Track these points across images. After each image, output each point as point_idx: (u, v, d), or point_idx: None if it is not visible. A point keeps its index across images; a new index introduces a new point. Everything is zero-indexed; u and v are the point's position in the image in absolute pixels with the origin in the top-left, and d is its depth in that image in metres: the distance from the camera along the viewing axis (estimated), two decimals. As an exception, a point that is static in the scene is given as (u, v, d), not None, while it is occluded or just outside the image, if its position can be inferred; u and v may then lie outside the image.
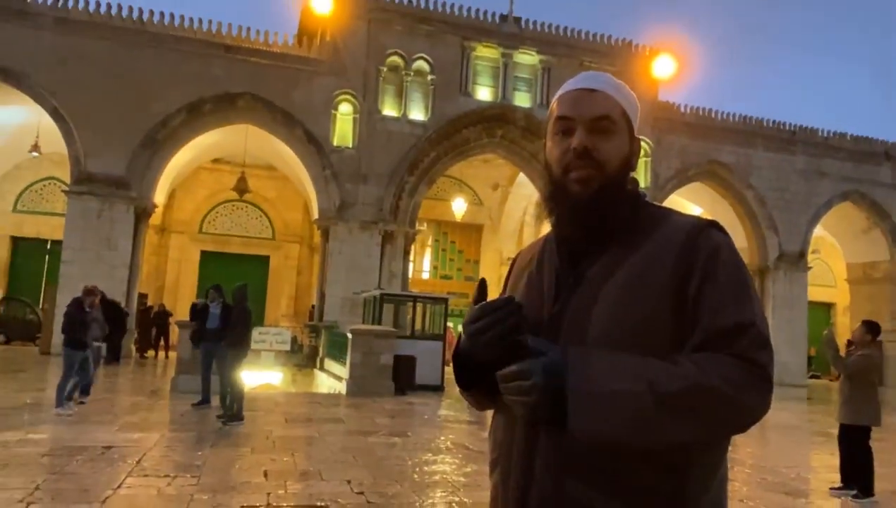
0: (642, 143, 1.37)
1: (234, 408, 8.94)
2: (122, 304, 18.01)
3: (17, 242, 24.65)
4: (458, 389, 1.38)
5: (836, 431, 6.92)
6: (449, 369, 18.24)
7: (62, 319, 9.50)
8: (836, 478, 7.14)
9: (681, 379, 1.06)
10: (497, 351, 1.16)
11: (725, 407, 1.07)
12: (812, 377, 27.40)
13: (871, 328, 6.79)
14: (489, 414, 1.40)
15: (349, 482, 5.95)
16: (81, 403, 9.34)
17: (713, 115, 24.45)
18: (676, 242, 1.19)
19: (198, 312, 10.55)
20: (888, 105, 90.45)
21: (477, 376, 1.27)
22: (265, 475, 6.09)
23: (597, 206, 1.22)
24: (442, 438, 8.78)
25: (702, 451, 1.16)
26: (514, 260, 1.49)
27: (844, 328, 30.57)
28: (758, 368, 1.09)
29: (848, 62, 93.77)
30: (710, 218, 1.28)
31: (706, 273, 1.15)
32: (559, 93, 1.32)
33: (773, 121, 25.21)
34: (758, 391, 1.09)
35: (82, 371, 9.33)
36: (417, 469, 6.69)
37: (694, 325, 1.13)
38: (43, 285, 23.27)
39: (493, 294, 1.38)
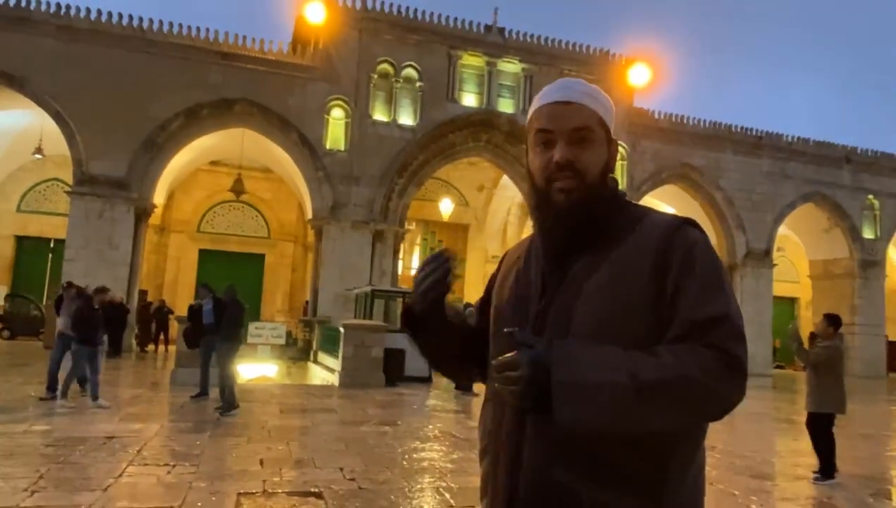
0: (619, 147, 1.39)
1: (230, 399, 8.90)
2: (124, 301, 17.81)
3: (21, 241, 24.32)
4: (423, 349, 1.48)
5: (800, 418, 7.00)
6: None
7: (73, 316, 9.35)
8: (799, 462, 7.24)
9: (660, 369, 1.05)
10: (431, 298, 1.34)
11: (702, 395, 1.07)
12: (777, 367, 27.70)
13: (833, 321, 6.85)
14: (476, 403, 1.41)
15: (342, 469, 5.93)
16: (84, 395, 9.23)
17: (685, 122, 24.60)
18: (655, 239, 1.18)
19: (194, 313, 10.47)
20: (845, 111, 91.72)
21: (420, 324, 1.39)
22: (261, 463, 6.05)
23: (580, 213, 1.23)
24: (430, 427, 8.77)
25: (681, 440, 1.16)
26: (503, 258, 1.49)
27: (807, 321, 30.85)
28: (733, 359, 1.09)
29: (809, 71, 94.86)
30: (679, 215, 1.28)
31: (683, 268, 1.15)
32: (537, 103, 1.30)
33: (741, 127, 25.41)
34: (733, 380, 1.08)
35: (91, 365, 9.19)
36: (407, 457, 6.68)
37: (672, 318, 1.13)
38: (46, 282, 22.97)
39: (479, 291, 1.43)
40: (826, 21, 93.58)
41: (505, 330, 1.17)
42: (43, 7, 18.20)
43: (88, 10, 18.62)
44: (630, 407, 1.05)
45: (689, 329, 1.11)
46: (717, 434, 8.90)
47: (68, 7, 18.43)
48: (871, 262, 26.78)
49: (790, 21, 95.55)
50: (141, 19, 18.99)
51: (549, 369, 1.07)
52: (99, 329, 9.46)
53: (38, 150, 20.65)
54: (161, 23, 19.19)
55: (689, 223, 1.23)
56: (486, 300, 1.48)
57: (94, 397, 8.95)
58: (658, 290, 1.15)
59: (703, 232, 1.23)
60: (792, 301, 32.61)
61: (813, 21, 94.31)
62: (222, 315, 9.49)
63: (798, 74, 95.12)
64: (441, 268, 1.33)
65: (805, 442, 9.37)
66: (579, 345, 1.12)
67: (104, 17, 18.71)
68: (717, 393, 1.08)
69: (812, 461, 6.94)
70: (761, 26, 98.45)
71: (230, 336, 9.32)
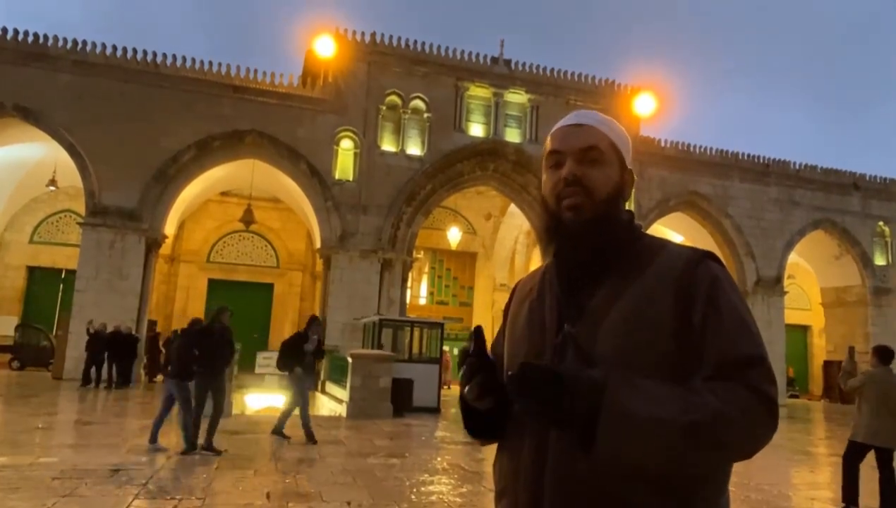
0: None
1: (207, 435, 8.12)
2: (132, 331, 17.85)
3: (32, 271, 24.55)
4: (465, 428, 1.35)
5: (816, 449, 6.84)
6: (445, 391, 18.06)
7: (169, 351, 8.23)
8: (816, 495, 7.06)
9: (704, 410, 1.03)
10: (488, 403, 1.21)
11: (742, 437, 1.06)
12: (791, 396, 27.27)
13: (874, 351, 6.80)
14: None
15: (349, 503, 5.84)
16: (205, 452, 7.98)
17: (692, 149, 24.71)
18: (675, 272, 1.17)
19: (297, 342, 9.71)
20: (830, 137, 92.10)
21: (485, 420, 1.28)
22: (268, 496, 5.97)
23: (591, 233, 1.21)
24: (438, 459, 8.66)
25: (707, 478, 1.14)
26: (515, 289, 1.45)
27: (820, 349, 30.54)
28: (769, 401, 1.07)
29: (806, 97, 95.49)
30: (697, 246, 1.27)
31: (710, 304, 1.14)
32: (552, 130, 1.32)
33: (748, 155, 25.48)
34: (768, 423, 1.07)
35: (187, 405, 8.07)
36: (415, 490, 6.58)
37: (701, 354, 1.11)
38: (57, 313, 23.10)
39: (487, 319, 1.36)
40: (825, 47, 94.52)
41: (566, 327, 1.17)
42: (60, 43, 18.68)
43: (104, 46, 19.09)
44: (675, 446, 1.02)
45: (723, 367, 1.09)
46: (732, 467, 8.71)
47: (84, 43, 18.91)
48: (883, 289, 26.50)
49: (783, 47, 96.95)
50: (154, 54, 19.43)
51: (603, 391, 1.02)
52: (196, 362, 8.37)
53: (52, 182, 21.00)
54: (174, 57, 19.62)
55: (709, 256, 1.21)
56: (499, 337, 1.44)
57: (154, 438, 8.07)
58: (681, 324, 1.13)
59: (723, 265, 1.22)
60: (804, 329, 32.21)
61: (809, 47, 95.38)
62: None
63: (793, 99, 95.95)
64: (478, 373, 1.19)
65: (822, 475, 9.19)
66: (634, 377, 1.07)
67: (118, 53, 19.16)
68: (755, 435, 1.07)
69: (830, 494, 6.78)
70: (757, 53, 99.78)
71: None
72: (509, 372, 1.06)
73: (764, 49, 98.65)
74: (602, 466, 1.05)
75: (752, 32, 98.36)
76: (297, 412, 9.53)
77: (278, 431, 9.47)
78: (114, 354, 16.67)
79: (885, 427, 6.34)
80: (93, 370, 16.46)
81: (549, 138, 1.31)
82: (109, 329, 16.95)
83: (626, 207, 1.30)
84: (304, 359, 9.44)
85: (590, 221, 1.21)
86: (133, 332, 17.82)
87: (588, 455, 1.03)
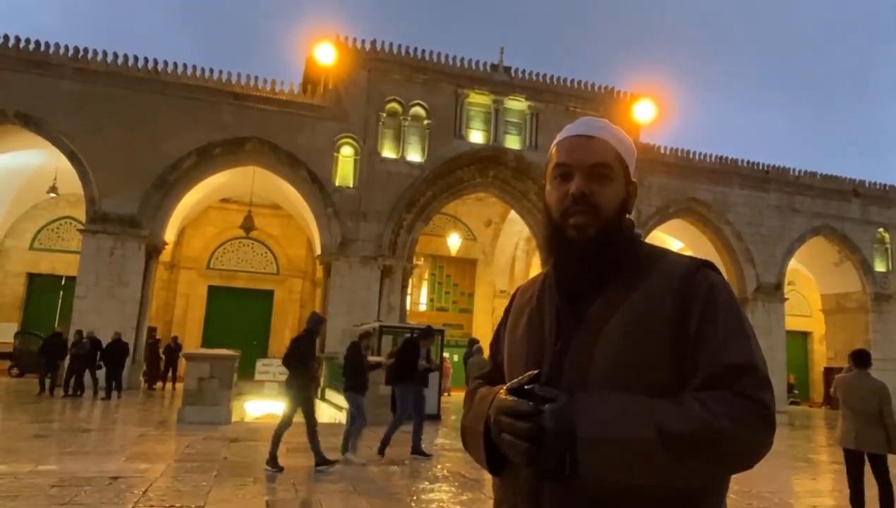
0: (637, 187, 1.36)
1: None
2: (121, 337, 17.47)
3: (32, 278, 24.52)
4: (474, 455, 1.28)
5: (817, 456, 6.80)
6: (445, 398, 18.00)
7: (343, 363, 8.93)
8: (817, 503, 7.03)
9: (689, 422, 1.02)
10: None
11: (733, 447, 1.04)
12: (792, 403, 27.20)
13: (850, 356, 6.80)
14: None
15: (349, 510, 5.82)
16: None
17: (691, 156, 24.73)
18: (673, 281, 1.17)
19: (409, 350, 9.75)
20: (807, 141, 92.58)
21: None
22: (267, 505, 5.95)
23: (594, 250, 1.21)
24: (438, 466, 8.63)
25: (706, 491, 1.13)
26: (514, 296, 1.45)
27: (821, 356, 30.48)
28: (763, 408, 1.06)
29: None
30: (696, 255, 1.27)
31: (705, 312, 1.13)
32: (558, 138, 1.30)
33: (748, 161, 25.51)
34: (763, 430, 1.06)
35: (359, 413, 8.79)
36: (415, 498, 6.56)
37: (695, 363, 1.11)
38: (56, 320, 23.06)
39: (487, 326, 1.35)
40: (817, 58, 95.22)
41: (525, 387, 1.12)
42: (61, 51, 18.74)
43: (105, 53, 19.16)
44: (658, 462, 1.01)
45: (715, 375, 1.09)
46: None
47: (86, 50, 18.98)
48: (884, 296, 26.48)
49: (769, 50, 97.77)
50: (155, 61, 19.49)
51: (573, 424, 1.04)
52: (367, 375, 9.32)
53: (53, 189, 21.02)
54: (175, 64, 19.69)
55: (707, 265, 1.21)
56: (497, 340, 1.44)
57: (352, 445, 8.61)
58: (678, 334, 1.13)
59: (721, 274, 1.22)
60: (805, 335, 32.16)
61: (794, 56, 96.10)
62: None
63: (782, 102, 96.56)
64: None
65: (823, 482, 9.15)
66: (602, 397, 1.09)
67: (120, 60, 19.22)
68: (748, 444, 1.05)
69: (832, 501, 6.75)
70: (746, 59, 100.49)
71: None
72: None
73: (752, 54, 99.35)
74: (593, 487, 1.05)
75: (741, 37, 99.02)
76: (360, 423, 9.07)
77: (417, 450, 9.17)
78: (104, 362, 16.31)
79: (853, 430, 6.38)
80: (74, 378, 16.00)
81: (555, 147, 1.29)
82: (70, 338, 16.51)
83: (628, 217, 1.30)
84: (417, 374, 9.36)
85: (594, 239, 1.21)
86: (121, 338, 17.38)
87: (576, 482, 1.04)
